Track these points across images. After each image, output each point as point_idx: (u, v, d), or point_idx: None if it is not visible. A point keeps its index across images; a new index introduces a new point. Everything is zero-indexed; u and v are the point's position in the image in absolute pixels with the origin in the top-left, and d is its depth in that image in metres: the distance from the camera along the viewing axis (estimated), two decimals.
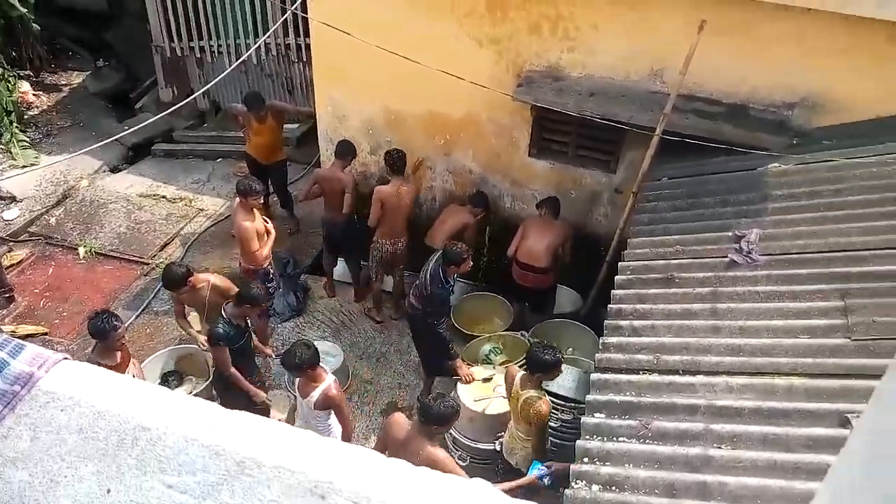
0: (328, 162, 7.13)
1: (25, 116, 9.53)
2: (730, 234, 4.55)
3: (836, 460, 1.15)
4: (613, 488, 3.36)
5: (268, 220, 6.26)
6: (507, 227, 6.65)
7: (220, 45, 9.16)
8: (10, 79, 9.35)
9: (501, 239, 6.65)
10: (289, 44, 8.96)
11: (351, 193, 6.46)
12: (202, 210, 8.28)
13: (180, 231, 7.93)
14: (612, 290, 4.56)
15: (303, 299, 7.09)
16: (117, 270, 7.42)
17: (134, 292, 7.16)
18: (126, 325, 5.74)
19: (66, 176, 8.57)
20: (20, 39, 9.96)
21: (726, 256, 4.39)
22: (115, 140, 7.26)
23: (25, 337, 6.51)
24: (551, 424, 4.66)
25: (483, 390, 5.26)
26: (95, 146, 5.99)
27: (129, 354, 5.01)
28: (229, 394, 5.09)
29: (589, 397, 3.89)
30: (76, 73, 10.79)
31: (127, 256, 7.55)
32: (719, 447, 3.38)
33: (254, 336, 5.38)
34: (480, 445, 5.17)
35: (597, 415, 3.77)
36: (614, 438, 3.59)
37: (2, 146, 8.77)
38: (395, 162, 6.29)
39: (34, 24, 9.11)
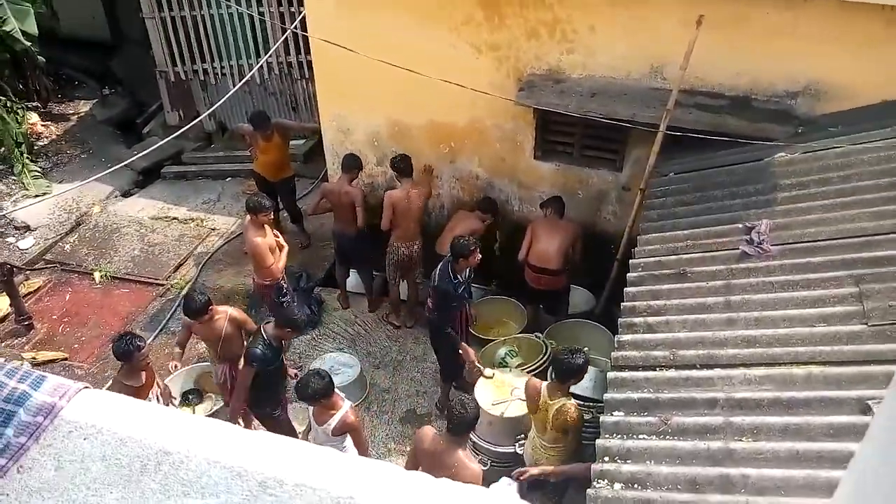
0: (335, 176, 7.18)
1: (35, 147, 9.67)
2: (740, 225, 4.53)
3: (859, 447, 1.15)
4: (636, 486, 3.34)
5: (278, 234, 6.31)
6: (518, 230, 6.65)
7: (223, 67, 9.26)
8: (19, 111, 9.51)
9: (512, 242, 6.66)
10: (290, 62, 9.06)
11: (361, 206, 6.49)
12: (214, 229, 8.35)
13: (193, 251, 8.00)
14: (625, 288, 4.55)
15: (317, 312, 7.13)
16: (133, 293, 7.50)
17: (150, 314, 7.24)
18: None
19: (78, 203, 8.68)
20: (26, 72, 10.16)
21: (737, 248, 4.38)
22: (125, 165, 7.35)
23: (45, 363, 6.60)
24: None
25: (500, 393, 5.25)
26: (106, 172, 6.06)
27: (153, 374, 5.04)
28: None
29: (607, 396, 3.87)
30: (83, 101, 10.91)
31: (142, 279, 7.63)
32: (740, 439, 3.35)
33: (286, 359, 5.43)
34: (500, 449, 5.17)
35: (615, 413, 3.75)
36: (634, 436, 3.58)
37: (14, 177, 8.89)
38: (401, 165, 6.33)
39: (39, 56, 9.22)
